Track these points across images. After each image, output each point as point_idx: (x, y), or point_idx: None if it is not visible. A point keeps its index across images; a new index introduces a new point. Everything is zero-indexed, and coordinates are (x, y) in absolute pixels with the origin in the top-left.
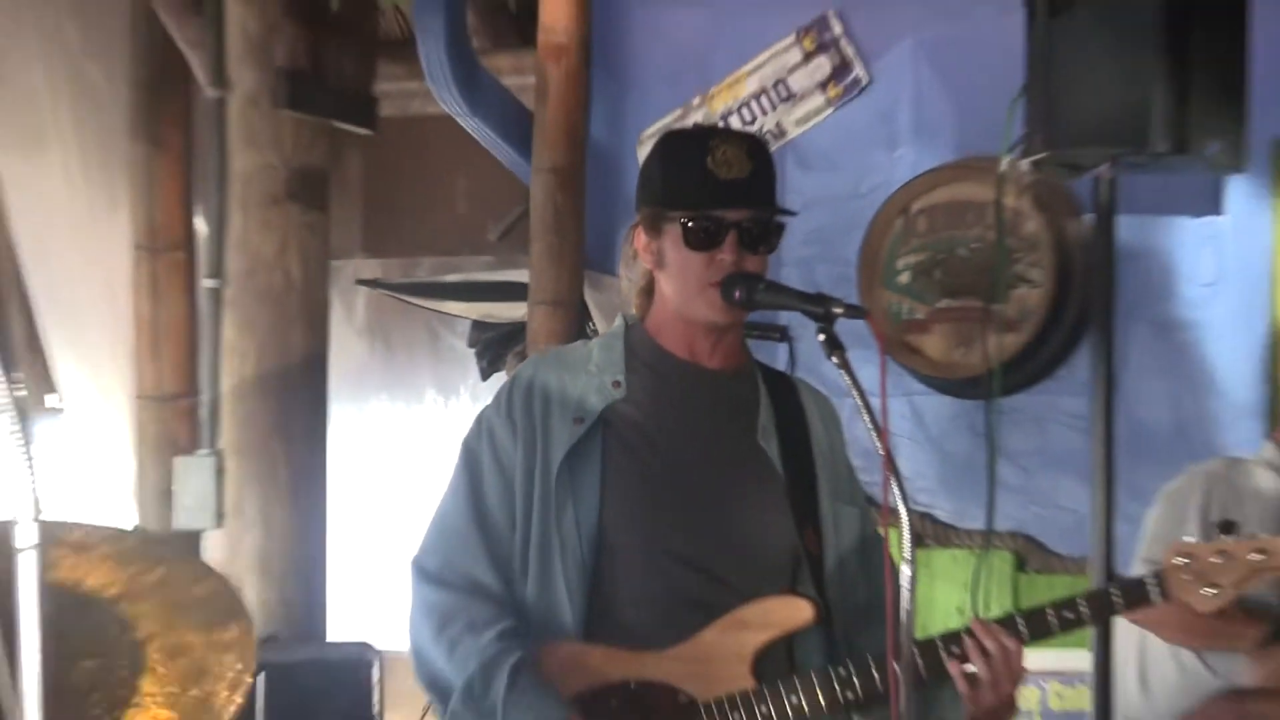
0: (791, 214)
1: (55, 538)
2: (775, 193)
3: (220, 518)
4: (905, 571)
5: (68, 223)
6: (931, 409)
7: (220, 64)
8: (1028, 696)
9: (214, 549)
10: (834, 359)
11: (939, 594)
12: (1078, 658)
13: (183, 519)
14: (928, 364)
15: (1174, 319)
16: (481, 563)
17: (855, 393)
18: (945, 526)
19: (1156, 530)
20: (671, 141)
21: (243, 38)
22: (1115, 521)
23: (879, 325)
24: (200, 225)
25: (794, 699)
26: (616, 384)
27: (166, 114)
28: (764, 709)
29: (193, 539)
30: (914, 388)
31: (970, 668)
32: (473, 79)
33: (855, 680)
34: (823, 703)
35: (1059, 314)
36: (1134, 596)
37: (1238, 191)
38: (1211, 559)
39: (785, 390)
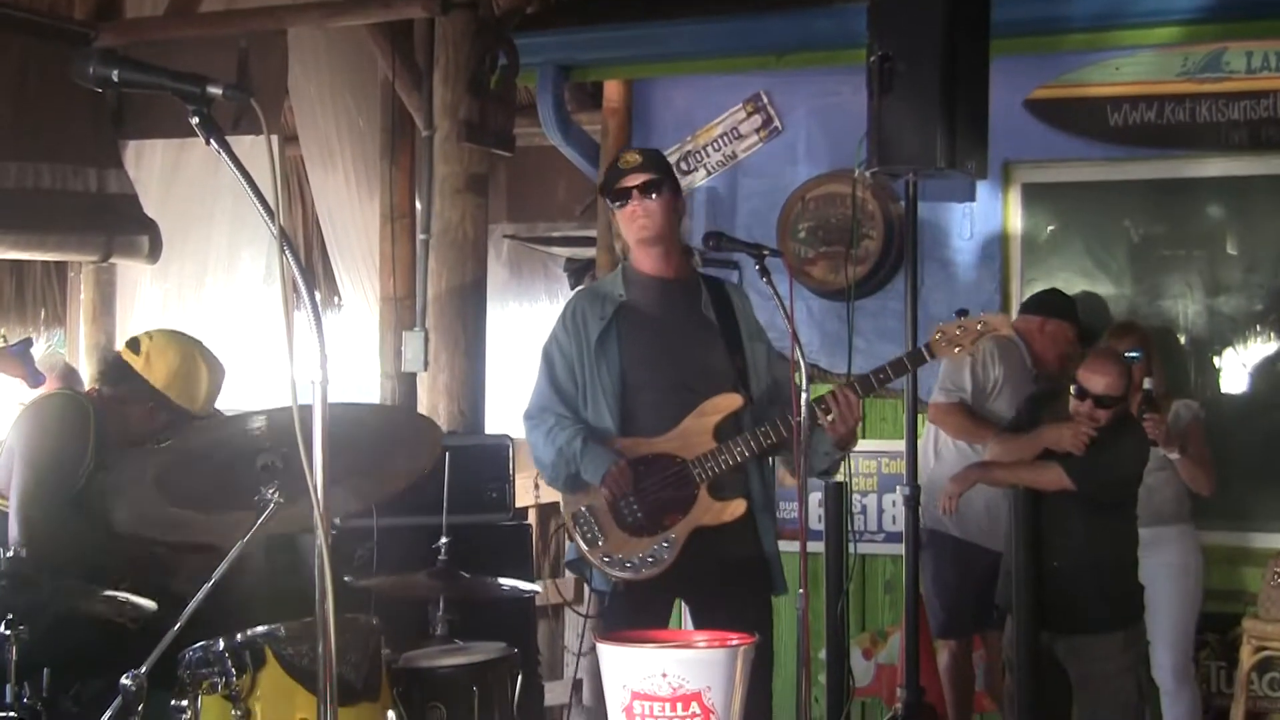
0: (660, 179)
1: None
2: (659, 168)
3: (427, 365)
4: (804, 394)
5: (346, 206)
6: (818, 306)
7: (430, 118)
8: (870, 466)
9: (422, 383)
10: (764, 279)
11: None
12: (898, 444)
13: (407, 366)
14: (815, 282)
15: (948, 258)
16: (559, 405)
17: (776, 297)
18: (824, 370)
19: (945, 368)
20: (609, 162)
21: (442, 104)
22: (918, 369)
23: (789, 261)
24: (419, 205)
25: (739, 449)
26: (620, 295)
27: (401, 145)
28: (723, 457)
29: (412, 376)
30: (808, 295)
31: (830, 416)
32: (567, 126)
33: (771, 433)
34: (755, 448)
35: (886, 255)
36: (916, 358)
37: (983, 189)
38: (955, 330)
39: (716, 285)
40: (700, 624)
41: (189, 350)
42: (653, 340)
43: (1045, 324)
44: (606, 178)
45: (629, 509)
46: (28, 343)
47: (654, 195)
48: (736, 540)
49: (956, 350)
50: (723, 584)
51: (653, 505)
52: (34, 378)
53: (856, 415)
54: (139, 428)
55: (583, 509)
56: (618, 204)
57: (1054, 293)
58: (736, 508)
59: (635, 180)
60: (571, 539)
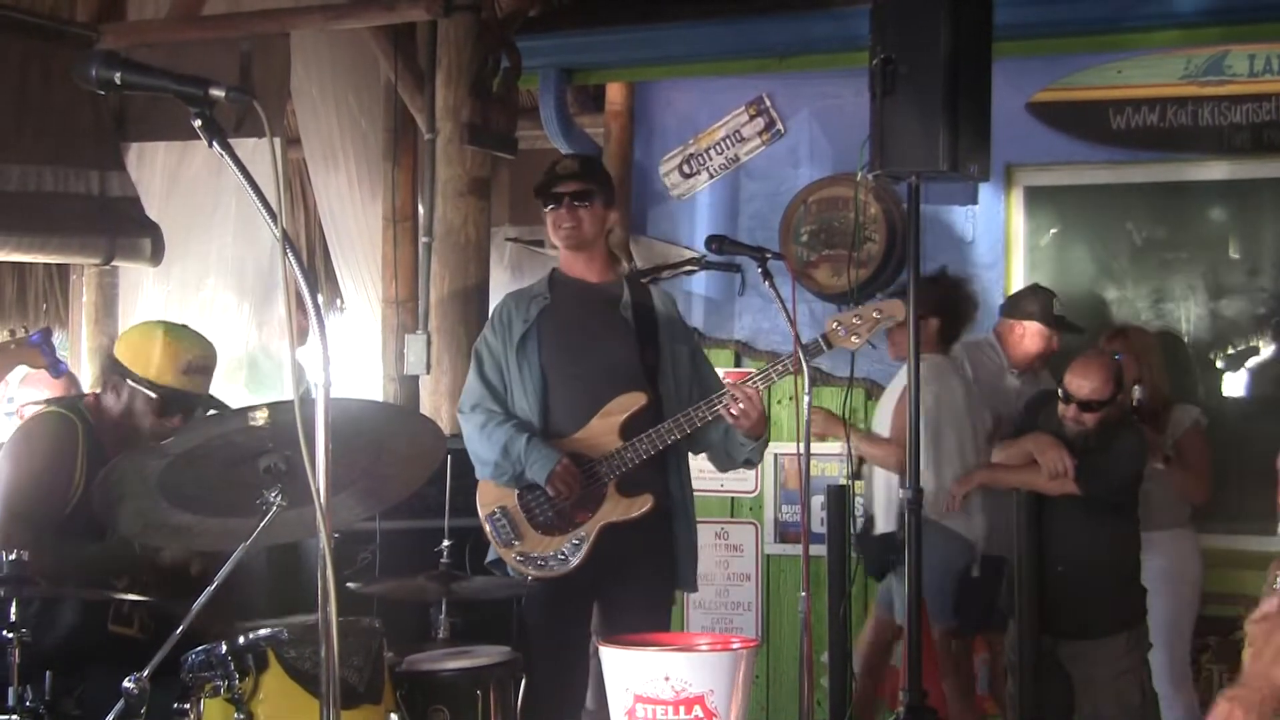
0: (593, 190)
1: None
2: (593, 179)
3: (429, 368)
4: (806, 399)
5: (349, 208)
6: (820, 309)
7: (433, 120)
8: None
9: (425, 386)
10: (766, 283)
11: None
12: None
13: (409, 369)
14: (817, 285)
15: (951, 262)
16: (490, 401)
17: (778, 300)
18: (826, 374)
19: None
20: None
21: (444, 106)
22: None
23: (791, 264)
24: (421, 207)
25: (644, 446)
26: (545, 298)
27: (404, 147)
28: (628, 455)
29: (414, 379)
30: (810, 298)
31: (734, 409)
32: (569, 129)
33: (674, 430)
34: (658, 445)
35: (888, 258)
36: (811, 349)
37: (985, 191)
38: (853, 320)
39: (640, 289)
40: (606, 619)
41: (151, 326)
42: (569, 341)
43: (1016, 325)
44: (542, 180)
45: (541, 509)
46: (47, 332)
47: (584, 204)
48: (649, 537)
49: (855, 339)
50: (632, 581)
51: (564, 504)
52: (55, 367)
53: (759, 408)
54: (132, 422)
55: (496, 510)
56: (549, 207)
57: (1027, 293)
58: (644, 502)
59: (568, 187)
60: (488, 539)
